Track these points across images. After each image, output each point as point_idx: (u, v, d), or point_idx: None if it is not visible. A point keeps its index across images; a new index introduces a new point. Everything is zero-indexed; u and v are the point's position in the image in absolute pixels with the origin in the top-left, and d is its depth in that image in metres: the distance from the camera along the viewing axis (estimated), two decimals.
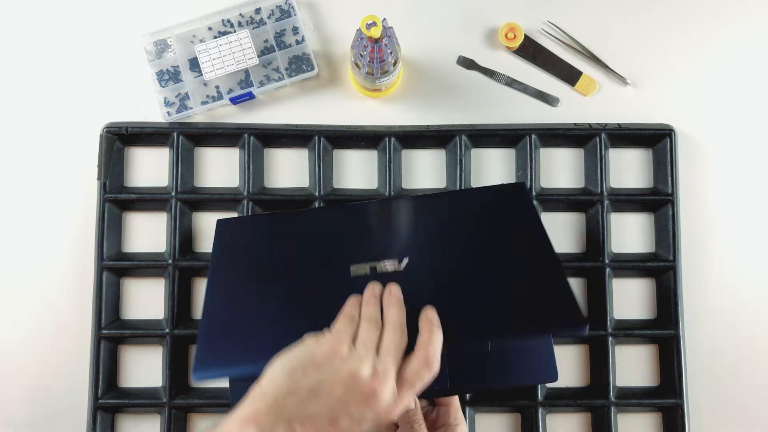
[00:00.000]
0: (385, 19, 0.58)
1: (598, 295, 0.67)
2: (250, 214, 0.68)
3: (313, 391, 0.44)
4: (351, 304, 0.51)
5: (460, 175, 0.67)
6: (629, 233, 0.70)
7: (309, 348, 0.46)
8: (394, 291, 0.51)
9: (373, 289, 0.52)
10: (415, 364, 0.46)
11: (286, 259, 0.60)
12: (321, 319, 0.50)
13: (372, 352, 0.46)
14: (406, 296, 0.51)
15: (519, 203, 0.61)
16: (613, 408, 0.65)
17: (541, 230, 0.58)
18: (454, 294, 0.54)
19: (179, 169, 0.68)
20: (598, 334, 0.66)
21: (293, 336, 0.48)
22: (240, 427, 0.42)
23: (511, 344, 0.58)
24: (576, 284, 0.69)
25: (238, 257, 0.60)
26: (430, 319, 0.48)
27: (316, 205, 0.67)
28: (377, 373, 0.45)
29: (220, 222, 0.63)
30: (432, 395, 0.59)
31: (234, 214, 0.68)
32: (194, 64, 0.69)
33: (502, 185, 0.65)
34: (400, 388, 0.46)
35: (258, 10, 0.70)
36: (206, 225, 0.70)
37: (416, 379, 0.46)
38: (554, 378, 0.58)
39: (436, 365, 0.47)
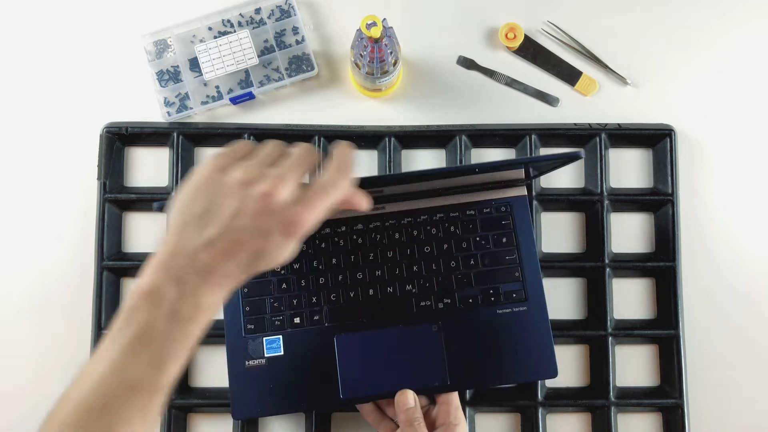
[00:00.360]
0: (385, 19, 0.58)
1: (598, 295, 0.67)
2: None
3: (204, 213, 0.41)
4: (243, 142, 0.47)
5: None
6: (629, 233, 0.70)
7: (193, 175, 0.44)
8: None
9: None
10: (330, 171, 0.44)
11: None
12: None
13: (268, 160, 0.43)
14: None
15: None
16: (613, 408, 0.65)
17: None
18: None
19: (179, 169, 0.68)
20: (598, 334, 0.66)
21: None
22: (152, 276, 0.41)
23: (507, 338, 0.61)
24: (576, 284, 0.69)
25: None
26: (345, 144, 0.46)
27: None
28: (269, 176, 0.41)
29: None
30: (432, 392, 0.59)
31: None
32: (194, 64, 0.69)
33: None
34: (311, 195, 0.42)
35: (258, 10, 0.70)
36: None
37: (329, 186, 0.43)
38: (554, 374, 0.59)
39: (350, 173, 0.44)
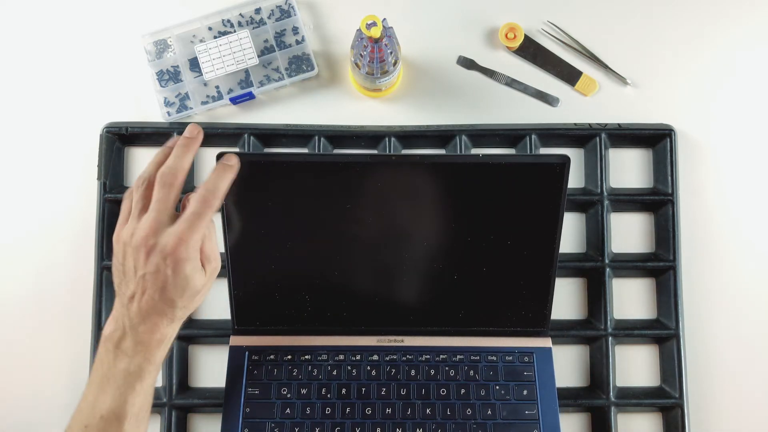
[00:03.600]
0: (385, 19, 0.58)
1: (598, 295, 0.67)
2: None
3: (124, 274, 0.51)
4: (128, 192, 0.54)
5: None
6: (629, 233, 0.70)
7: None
8: (183, 135, 0.54)
9: (163, 146, 0.55)
10: (192, 203, 0.50)
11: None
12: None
13: (136, 212, 0.51)
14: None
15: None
16: (613, 408, 0.65)
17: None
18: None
19: None
20: (598, 334, 0.66)
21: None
22: (107, 327, 0.51)
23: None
24: (576, 284, 0.69)
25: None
26: (225, 161, 0.53)
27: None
28: (141, 228, 0.50)
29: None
30: None
31: None
32: (194, 64, 0.69)
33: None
34: (177, 228, 0.49)
35: (258, 10, 0.70)
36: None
37: (194, 217, 0.50)
38: None
39: (216, 201, 0.51)
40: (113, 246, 0.53)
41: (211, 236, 0.52)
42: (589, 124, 0.68)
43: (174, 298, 0.49)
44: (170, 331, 0.52)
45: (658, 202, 0.68)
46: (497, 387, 0.62)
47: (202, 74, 0.68)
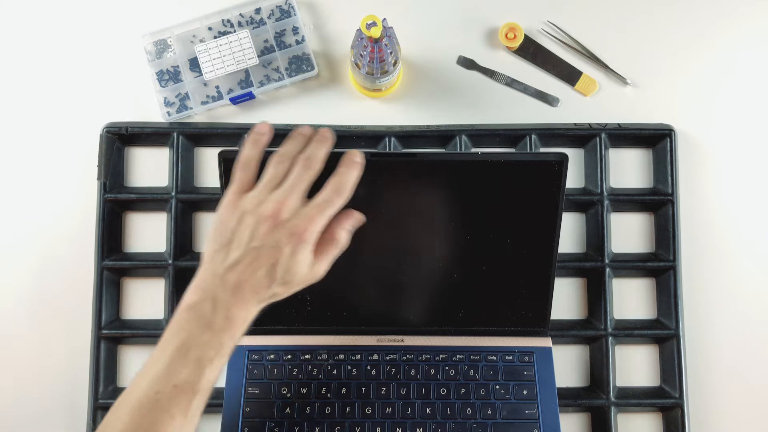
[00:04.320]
0: (385, 19, 0.58)
1: (598, 295, 0.67)
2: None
3: (229, 242, 0.49)
4: (246, 147, 0.53)
5: None
6: (629, 233, 0.70)
7: (216, 213, 0.51)
8: (321, 131, 0.53)
9: (300, 130, 0.54)
10: (325, 190, 0.50)
11: None
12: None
13: (272, 184, 0.51)
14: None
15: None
16: (613, 408, 0.65)
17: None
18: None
19: (179, 169, 0.68)
20: (598, 334, 0.66)
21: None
22: (192, 295, 0.49)
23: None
24: (576, 284, 0.69)
25: None
26: (352, 157, 0.52)
27: None
28: (272, 200, 0.49)
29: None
30: None
31: None
32: (194, 64, 0.69)
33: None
34: (309, 211, 0.49)
35: (258, 10, 0.70)
36: (206, 225, 0.70)
37: (325, 204, 0.50)
38: None
39: (346, 193, 0.50)
40: (223, 210, 0.51)
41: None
42: (589, 124, 0.68)
43: (278, 278, 0.48)
44: (254, 312, 0.49)
45: (658, 202, 0.68)
46: (497, 387, 0.62)
47: (202, 74, 0.68)
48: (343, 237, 0.52)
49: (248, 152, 0.53)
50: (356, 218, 0.53)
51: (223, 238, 0.50)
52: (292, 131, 0.54)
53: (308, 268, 0.50)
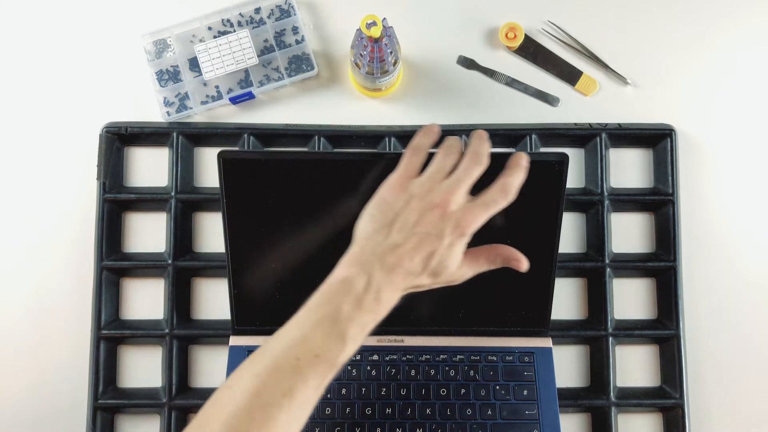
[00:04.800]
0: (385, 18, 0.58)
1: (598, 295, 0.67)
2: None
3: (392, 223, 0.50)
4: (420, 134, 0.54)
5: None
6: (629, 233, 0.70)
7: (380, 191, 0.52)
8: (481, 131, 0.54)
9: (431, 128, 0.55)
10: (492, 190, 0.51)
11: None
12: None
13: (441, 174, 0.51)
14: None
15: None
16: (613, 408, 0.65)
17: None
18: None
19: (179, 169, 0.68)
20: (598, 334, 0.66)
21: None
22: (346, 268, 0.49)
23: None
24: (576, 284, 0.69)
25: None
26: (519, 160, 0.52)
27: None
28: (442, 189, 0.50)
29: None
30: None
31: None
32: (194, 64, 0.69)
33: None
34: (476, 206, 0.50)
35: (258, 10, 0.69)
36: (206, 225, 0.70)
37: (491, 201, 0.50)
38: None
39: (512, 195, 0.51)
40: (388, 190, 0.51)
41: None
42: (590, 124, 0.68)
43: (431, 267, 0.49)
44: (397, 298, 0.49)
45: (658, 202, 0.68)
46: (497, 387, 0.62)
47: (201, 74, 0.68)
48: (497, 262, 0.53)
49: (420, 140, 0.54)
50: (516, 258, 0.54)
51: (386, 218, 0.50)
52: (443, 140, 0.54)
53: (457, 265, 0.50)
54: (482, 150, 0.52)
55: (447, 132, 0.67)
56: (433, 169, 0.51)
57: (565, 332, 0.67)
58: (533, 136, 0.68)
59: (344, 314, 0.47)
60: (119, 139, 0.68)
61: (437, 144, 0.55)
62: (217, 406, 0.45)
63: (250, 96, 0.68)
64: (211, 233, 0.69)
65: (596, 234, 0.68)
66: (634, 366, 0.68)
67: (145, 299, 0.69)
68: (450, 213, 0.49)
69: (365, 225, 0.51)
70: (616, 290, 0.68)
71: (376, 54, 0.60)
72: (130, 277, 0.69)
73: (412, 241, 0.49)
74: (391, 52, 0.61)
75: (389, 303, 0.49)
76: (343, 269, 0.49)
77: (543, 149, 0.69)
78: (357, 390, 0.61)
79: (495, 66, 0.70)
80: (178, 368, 0.66)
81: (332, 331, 0.46)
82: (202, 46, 0.68)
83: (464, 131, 0.68)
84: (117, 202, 0.68)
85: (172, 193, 0.67)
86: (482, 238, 0.60)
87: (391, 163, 0.59)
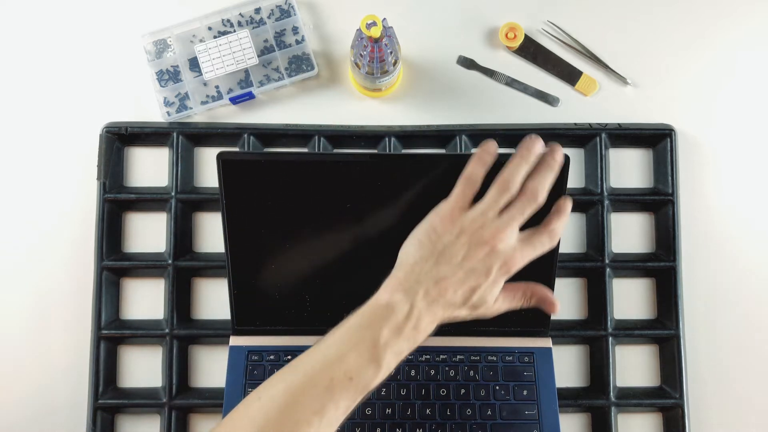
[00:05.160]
0: (385, 19, 0.58)
1: (598, 295, 0.67)
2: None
3: (440, 254, 0.50)
4: (473, 163, 0.52)
5: None
6: (629, 233, 0.70)
7: (430, 219, 0.52)
8: (553, 150, 0.53)
9: (489, 146, 0.53)
10: (542, 233, 0.52)
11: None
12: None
13: (494, 211, 0.50)
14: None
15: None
16: (613, 408, 0.65)
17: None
18: None
19: (179, 169, 0.68)
20: (598, 334, 0.66)
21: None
22: (390, 293, 0.49)
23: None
24: (576, 284, 0.69)
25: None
26: (565, 206, 0.53)
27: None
28: (494, 226, 0.50)
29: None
30: None
31: None
32: (194, 64, 0.69)
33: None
34: (524, 246, 0.50)
35: (258, 10, 0.69)
36: (206, 225, 0.70)
37: (538, 244, 0.51)
38: None
39: (557, 240, 0.52)
40: (439, 220, 0.51)
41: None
42: (590, 124, 0.68)
43: (471, 302, 0.50)
44: (433, 328, 0.50)
45: (658, 202, 0.68)
46: (497, 387, 0.62)
47: (201, 74, 0.68)
48: (531, 302, 0.54)
49: (474, 169, 0.52)
50: (550, 302, 0.54)
51: (435, 248, 0.50)
52: (522, 144, 0.52)
53: (495, 300, 0.51)
54: (540, 187, 0.51)
55: (447, 132, 0.68)
56: (487, 205, 0.51)
57: (565, 332, 0.67)
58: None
59: (383, 340, 0.47)
60: (119, 139, 0.68)
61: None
62: (246, 417, 0.45)
63: (250, 96, 0.68)
64: (211, 233, 0.69)
65: (596, 234, 0.68)
66: (633, 366, 0.68)
67: (145, 299, 0.69)
68: (498, 251, 0.49)
69: (412, 250, 0.51)
70: (616, 290, 0.68)
71: (376, 54, 0.60)
72: (130, 277, 0.69)
73: (458, 275, 0.49)
74: (391, 52, 0.61)
75: (426, 332, 0.49)
76: (387, 293, 0.49)
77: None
78: None
79: (495, 66, 0.70)
80: (178, 368, 0.66)
81: (369, 356, 0.47)
82: (202, 46, 0.68)
83: (464, 131, 0.68)
84: (117, 202, 0.68)
85: (172, 193, 0.67)
86: None
87: (389, 163, 0.59)
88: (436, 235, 0.50)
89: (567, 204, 0.53)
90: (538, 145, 0.52)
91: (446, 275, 0.49)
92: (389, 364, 0.47)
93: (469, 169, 0.52)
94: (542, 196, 0.51)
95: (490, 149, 0.52)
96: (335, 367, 0.46)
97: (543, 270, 0.61)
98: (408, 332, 0.48)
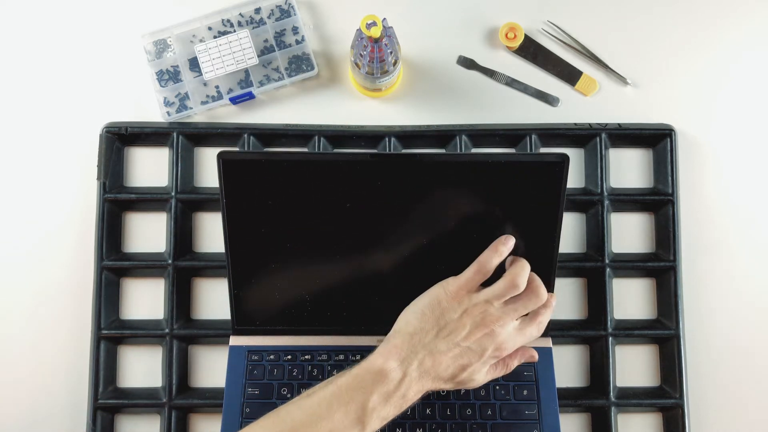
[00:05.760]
0: (385, 19, 0.58)
1: (598, 295, 0.67)
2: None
3: (441, 328, 0.52)
4: (489, 252, 0.56)
5: None
6: (629, 233, 0.70)
7: (435, 292, 0.54)
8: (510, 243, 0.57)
9: (506, 241, 0.57)
10: (533, 329, 0.55)
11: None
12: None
13: (499, 301, 0.53)
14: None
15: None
16: (613, 408, 0.65)
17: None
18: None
19: (179, 169, 0.68)
20: (598, 334, 0.66)
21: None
22: (384, 359, 0.51)
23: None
24: (576, 284, 0.69)
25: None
26: (551, 302, 0.57)
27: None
28: (495, 314, 0.53)
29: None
30: None
31: None
32: (194, 64, 0.69)
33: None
34: (517, 335, 0.54)
35: (258, 10, 0.69)
36: (206, 225, 0.70)
37: (529, 335, 0.55)
38: None
39: (542, 331, 0.56)
40: (445, 296, 0.54)
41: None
42: (590, 124, 0.68)
43: (458, 378, 0.53)
44: (418, 398, 0.52)
45: (658, 202, 0.68)
46: (497, 387, 0.62)
47: (201, 74, 0.68)
48: (513, 366, 0.57)
49: (489, 257, 0.55)
50: (531, 357, 0.58)
51: (437, 321, 0.53)
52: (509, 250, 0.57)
53: (480, 378, 0.54)
54: (542, 290, 0.55)
55: (447, 132, 0.68)
56: (494, 294, 0.54)
57: (565, 332, 0.67)
58: (533, 137, 0.68)
59: (371, 404, 0.49)
60: (119, 139, 0.68)
61: None
62: None
63: (250, 96, 0.68)
64: (211, 233, 0.69)
65: (596, 234, 0.68)
66: (634, 366, 0.68)
67: (145, 299, 0.69)
68: (495, 335, 0.53)
69: (413, 320, 0.53)
70: (616, 290, 0.68)
71: (376, 54, 0.60)
72: (130, 277, 0.69)
73: (454, 351, 0.52)
74: (391, 52, 0.61)
75: (412, 401, 0.52)
76: (381, 359, 0.51)
77: (543, 149, 0.69)
78: None
79: (495, 66, 0.71)
80: (178, 368, 0.66)
81: (356, 418, 0.49)
82: (202, 46, 0.68)
83: (464, 131, 0.68)
84: (117, 202, 0.68)
85: (172, 193, 0.67)
86: (484, 237, 0.61)
87: (389, 163, 0.59)
88: (441, 310, 0.53)
89: (552, 300, 0.57)
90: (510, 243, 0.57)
91: (443, 350, 0.52)
92: (373, 427, 0.49)
93: (484, 257, 0.55)
94: (545, 297, 0.55)
95: (507, 243, 0.56)
96: (321, 423, 0.48)
97: (543, 270, 0.61)
98: (396, 400, 0.50)
